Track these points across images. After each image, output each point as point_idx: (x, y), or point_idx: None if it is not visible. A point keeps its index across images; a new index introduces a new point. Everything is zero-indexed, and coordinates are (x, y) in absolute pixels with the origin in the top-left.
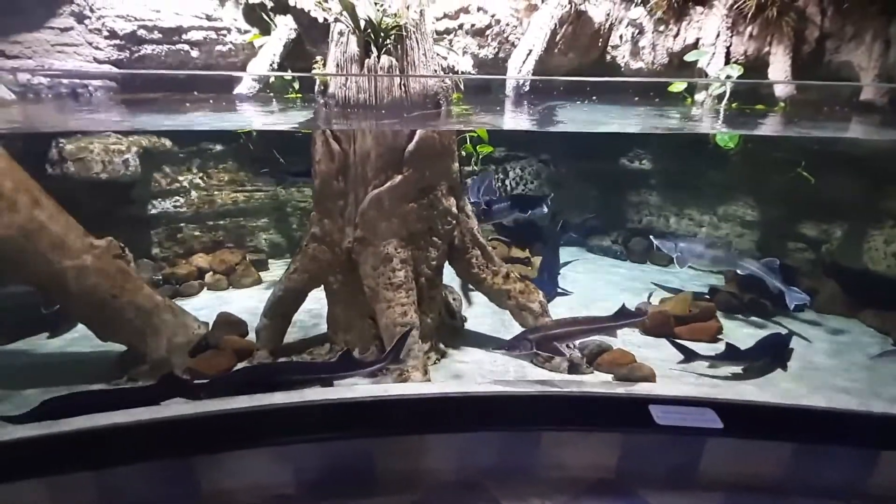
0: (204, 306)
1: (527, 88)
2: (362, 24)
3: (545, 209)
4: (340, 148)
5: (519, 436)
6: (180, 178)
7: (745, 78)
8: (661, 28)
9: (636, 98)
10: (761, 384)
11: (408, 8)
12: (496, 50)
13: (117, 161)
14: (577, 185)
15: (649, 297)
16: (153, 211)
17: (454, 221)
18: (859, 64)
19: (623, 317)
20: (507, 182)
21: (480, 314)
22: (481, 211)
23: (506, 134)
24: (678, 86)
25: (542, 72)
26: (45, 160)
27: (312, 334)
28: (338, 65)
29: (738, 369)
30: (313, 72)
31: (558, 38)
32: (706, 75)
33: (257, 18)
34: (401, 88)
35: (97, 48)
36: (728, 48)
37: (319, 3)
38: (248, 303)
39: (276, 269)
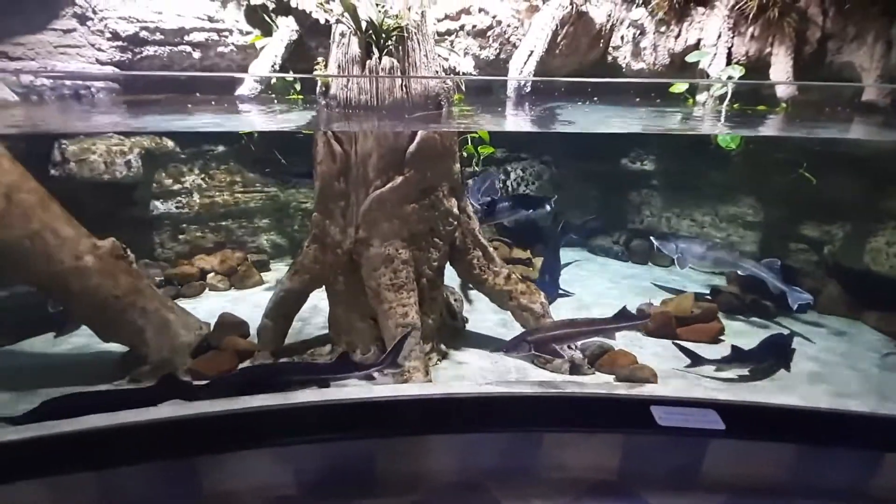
0: (205, 307)
1: (528, 89)
2: (364, 25)
3: (548, 208)
4: (342, 149)
5: (520, 437)
6: (182, 179)
7: (747, 79)
8: (663, 29)
9: (637, 99)
10: (778, 387)
11: (409, 9)
12: (497, 51)
13: (120, 162)
14: (579, 185)
15: (650, 300)
16: (155, 212)
17: (455, 222)
18: (861, 65)
19: (623, 319)
20: (508, 183)
21: (481, 315)
22: (483, 211)
23: (507, 135)
24: (679, 87)
25: (543, 73)
26: (48, 161)
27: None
28: (339, 66)
29: (744, 371)
30: (315, 73)
31: (559, 39)
32: (708, 76)
33: (259, 20)
34: (402, 89)
35: (99, 50)
36: (729, 49)
37: (321, 4)
38: (249, 303)
39: (278, 270)
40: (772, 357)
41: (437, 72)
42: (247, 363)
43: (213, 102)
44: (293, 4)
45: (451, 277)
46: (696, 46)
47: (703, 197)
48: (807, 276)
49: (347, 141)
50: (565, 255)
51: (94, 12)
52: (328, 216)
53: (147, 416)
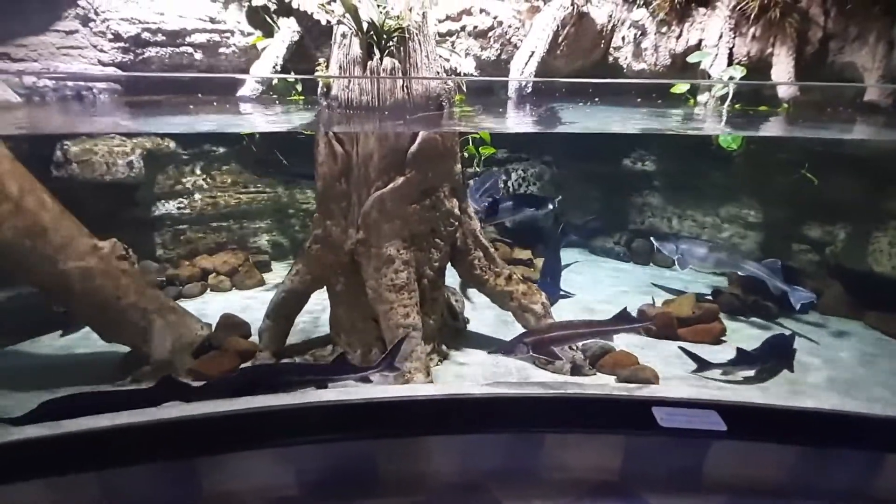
0: (207, 308)
1: (529, 90)
2: (365, 26)
3: (550, 207)
4: (343, 150)
5: (522, 438)
6: (184, 180)
7: (748, 79)
8: (664, 29)
9: (639, 99)
10: (781, 388)
11: (410, 10)
12: (498, 52)
13: (121, 163)
14: (580, 186)
15: (654, 301)
16: (157, 212)
17: (456, 223)
18: (863, 65)
19: (622, 321)
20: (509, 183)
21: (482, 315)
22: (484, 211)
23: (508, 135)
24: (681, 87)
25: (544, 73)
26: (50, 162)
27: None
28: (340, 67)
29: (749, 373)
30: (316, 74)
31: (560, 39)
32: (709, 77)
33: (260, 21)
34: (403, 90)
35: (102, 51)
36: (731, 49)
37: (322, 5)
38: (250, 304)
39: (279, 271)
40: (775, 358)
41: (438, 73)
42: (247, 364)
43: (214, 103)
44: (294, 5)
45: (450, 278)
46: (698, 47)
47: (704, 198)
48: (808, 277)
49: (349, 141)
50: (566, 255)
51: (97, 13)
52: (329, 217)
53: (147, 417)
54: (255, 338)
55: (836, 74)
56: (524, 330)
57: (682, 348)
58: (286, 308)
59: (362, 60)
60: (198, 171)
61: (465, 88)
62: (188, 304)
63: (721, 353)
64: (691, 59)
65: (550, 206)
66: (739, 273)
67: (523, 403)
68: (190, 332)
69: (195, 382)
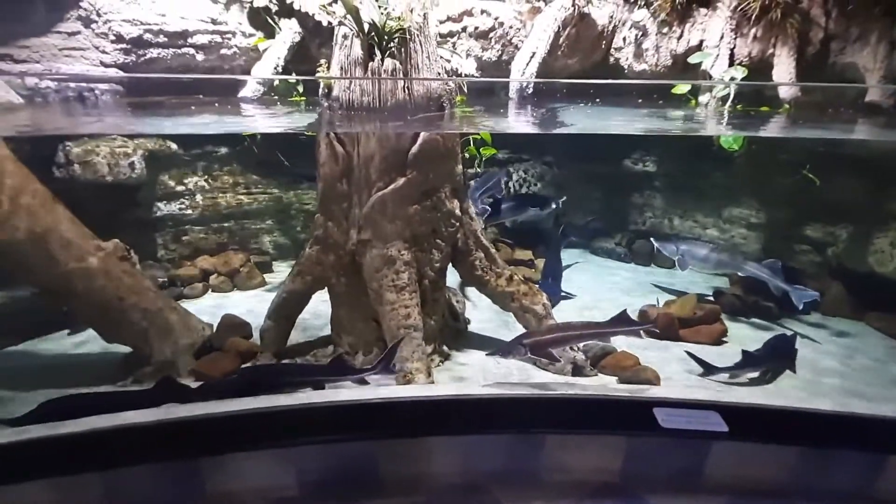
0: (208, 308)
1: (530, 91)
2: (366, 27)
3: (554, 207)
4: (344, 150)
5: (522, 439)
6: (185, 181)
7: (750, 80)
8: (665, 30)
9: (640, 100)
10: (783, 389)
11: (411, 11)
12: (499, 52)
13: (123, 164)
14: (581, 187)
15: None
16: (158, 213)
17: (457, 223)
18: (864, 65)
19: (620, 323)
20: (510, 184)
21: (484, 316)
22: (485, 211)
23: (509, 136)
24: (682, 88)
25: (545, 74)
26: (53, 163)
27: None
28: (342, 68)
29: (754, 374)
30: (317, 75)
31: (561, 40)
32: (710, 77)
33: (262, 22)
34: (404, 91)
35: (104, 52)
36: (732, 50)
37: (323, 6)
38: (252, 305)
39: (281, 272)
40: (777, 358)
41: (439, 74)
42: (247, 365)
43: (216, 104)
44: (296, 7)
45: (449, 278)
46: (699, 48)
47: (705, 198)
48: (810, 278)
49: (350, 142)
50: (567, 256)
51: (99, 15)
52: (330, 217)
53: (149, 418)
54: (256, 338)
55: (838, 75)
56: (525, 331)
57: (689, 353)
58: (287, 309)
59: (363, 61)
60: (199, 172)
61: (466, 89)
62: (189, 305)
63: (723, 355)
64: (692, 59)
65: (554, 206)
66: (740, 274)
67: (524, 404)
68: (191, 332)
69: (193, 384)
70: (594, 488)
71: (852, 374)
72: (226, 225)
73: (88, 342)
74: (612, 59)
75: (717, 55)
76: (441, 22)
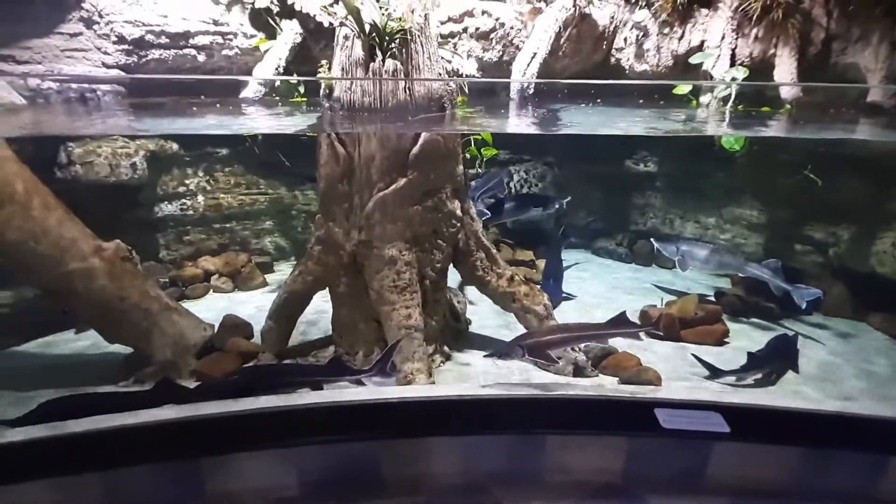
0: (210, 308)
1: (531, 91)
2: (367, 28)
3: (557, 207)
4: (345, 151)
5: (523, 439)
6: (187, 182)
7: (751, 80)
8: (666, 30)
9: (641, 101)
10: (785, 390)
11: (412, 12)
12: (500, 53)
13: (125, 164)
14: (582, 187)
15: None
16: (160, 214)
17: (458, 224)
18: (866, 66)
19: (619, 325)
20: (511, 185)
21: (485, 317)
22: (489, 209)
23: (510, 136)
24: (683, 88)
25: (546, 75)
26: (55, 164)
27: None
28: (343, 68)
29: (758, 376)
30: (318, 76)
31: (562, 41)
32: (711, 77)
33: (263, 23)
34: (405, 92)
35: (105, 53)
36: (733, 50)
37: (325, 7)
38: (253, 305)
39: (282, 272)
40: (780, 359)
41: (440, 74)
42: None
43: (217, 105)
44: (297, 7)
45: (449, 278)
46: (700, 48)
47: (707, 199)
48: (812, 278)
49: (351, 143)
50: (568, 257)
51: (101, 16)
52: (331, 218)
53: (149, 418)
54: (257, 339)
55: (839, 75)
56: (523, 332)
57: (696, 356)
58: (288, 309)
59: (364, 62)
60: (200, 173)
61: (467, 90)
62: (191, 305)
63: (721, 354)
64: (693, 60)
65: (557, 206)
66: (740, 274)
67: (525, 405)
68: (193, 333)
69: (192, 385)
70: (595, 489)
71: (854, 374)
72: (227, 225)
73: (90, 342)
74: (613, 60)
75: (719, 55)
76: (442, 23)
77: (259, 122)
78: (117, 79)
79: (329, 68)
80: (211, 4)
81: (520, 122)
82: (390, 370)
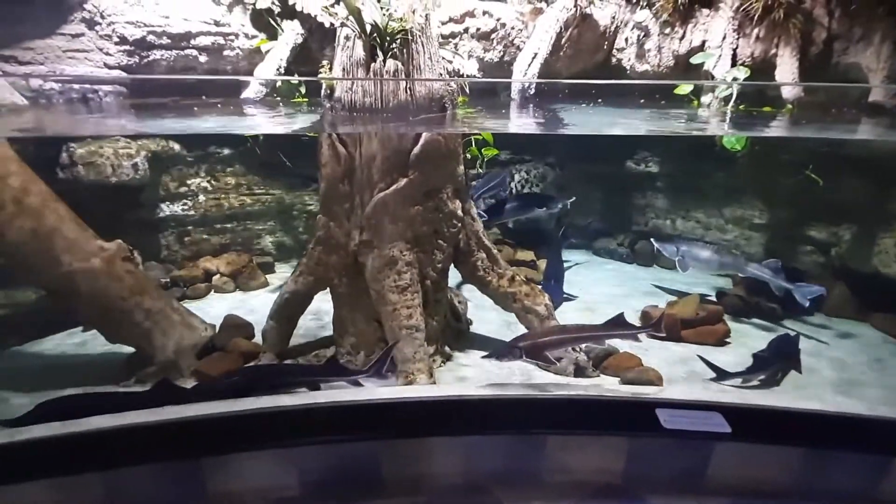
0: (211, 308)
1: (532, 91)
2: (368, 28)
3: (560, 206)
4: (346, 151)
5: (524, 439)
6: (188, 182)
7: (752, 80)
8: (667, 30)
9: (642, 101)
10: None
11: (413, 12)
12: (501, 53)
13: (126, 165)
14: (583, 187)
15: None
16: (161, 214)
17: (459, 224)
18: (867, 65)
19: (617, 326)
20: (512, 185)
21: (486, 317)
22: (489, 209)
23: (511, 137)
24: (684, 88)
25: (547, 75)
26: (56, 164)
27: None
28: (344, 69)
29: (761, 376)
30: (320, 76)
31: (563, 41)
32: (713, 77)
33: (264, 24)
34: (406, 92)
35: (107, 54)
36: (734, 50)
37: (326, 8)
38: (254, 305)
39: (283, 272)
40: (782, 359)
41: (441, 74)
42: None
43: (219, 105)
44: (298, 8)
45: (451, 278)
46: (701, 48)
47: (708, 199)
48: (813, 279)
49: (352, 143)
50: (569, 257)
51: (102, 17)
52: (332, 218)
53: (150, 418)
54: (258, 339)
55: (841, 75)
56: (521, 333)
57: (702, 358)
58: (289, 309)
59: (365, 62)
60: (202, 173)
61: (468, 90)
62: (192, 306)
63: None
64: (695, 60)
65: (560, 206)
66: (741, 275)
67: (526, 405)
68: (194, 332)
69: (191, 384)
70: (596, 489)
71: (856, 375)
72: (228, 226)
73: (91, 342)
74: (614, 60)
75: (720, 55)
76: (443, 23)
77: (260, 122)
78: (119, 79)
79: (330, 69)
80: (212, 5)
81: (521, 123)
82: (387, 371)
